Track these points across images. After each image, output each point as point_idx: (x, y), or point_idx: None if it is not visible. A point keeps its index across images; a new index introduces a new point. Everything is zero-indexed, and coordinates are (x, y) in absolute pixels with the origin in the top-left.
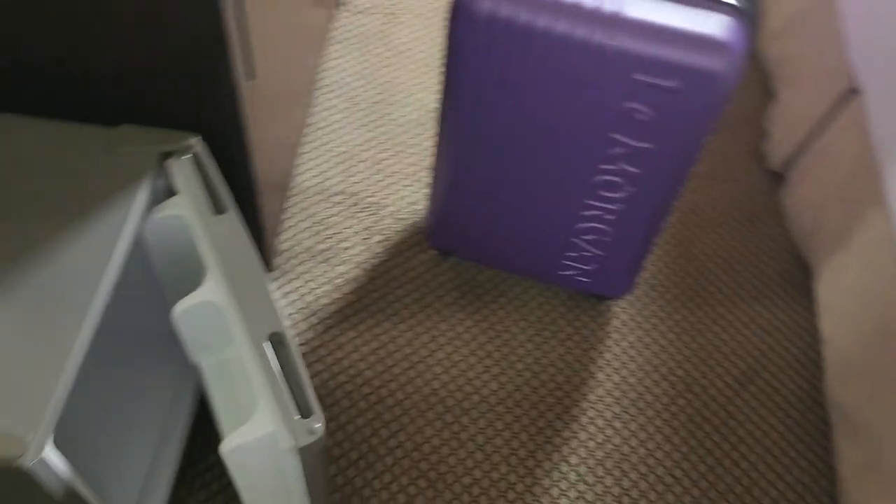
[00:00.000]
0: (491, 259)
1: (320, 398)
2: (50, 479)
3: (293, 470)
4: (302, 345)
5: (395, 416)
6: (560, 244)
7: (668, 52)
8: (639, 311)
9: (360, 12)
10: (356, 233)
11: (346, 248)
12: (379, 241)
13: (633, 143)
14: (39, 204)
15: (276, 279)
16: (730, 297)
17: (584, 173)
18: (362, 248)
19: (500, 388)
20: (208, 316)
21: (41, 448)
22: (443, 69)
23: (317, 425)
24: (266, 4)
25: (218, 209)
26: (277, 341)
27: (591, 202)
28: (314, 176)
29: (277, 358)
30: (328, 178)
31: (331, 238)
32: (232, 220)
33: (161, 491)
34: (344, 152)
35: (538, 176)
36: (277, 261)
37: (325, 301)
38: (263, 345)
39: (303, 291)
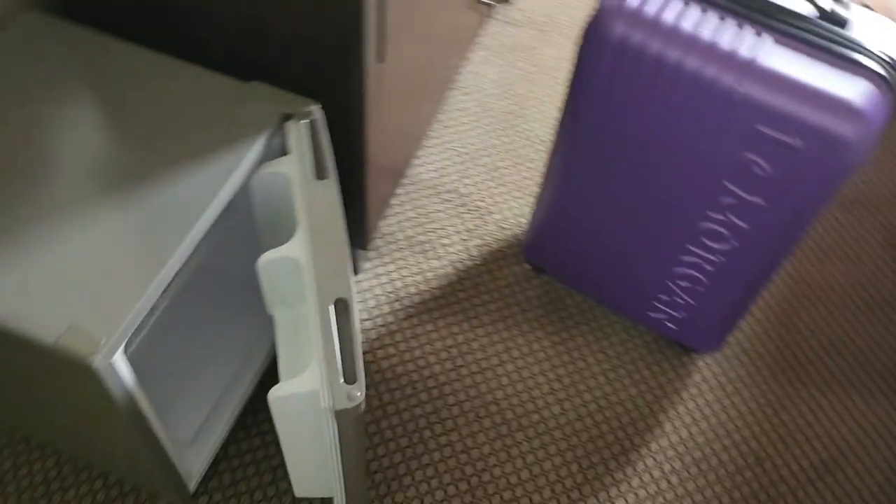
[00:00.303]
0: (582, 285)
1: (386, 381)
2: (115, 385)
3: (330, 431)
4: (381, 326)
5: (453, 415)
6: (654, 284)
7: (797, 109)
8: (724, 371)
9: (511, 24)
10: (458, 232)
11: (445, 245)
12: (477, 245)
13: (744, 195)
14: (169, 136)
15: (371, 259)
16: (826, 379)
17: (690, 216)
18: (460, 248)
19: (561, 413)
20: (288, 271)
21: (113, 352)
22: (568, 87)
23: (357, 393)
24: None
25: (320, 174)
26: (342, 308)
27: (692, 248)
28: (431, 170)
29: (337, 323)
30: (444, 175)
31: (432, 232)
32: (330, 186)
33: (220, 428)
34: (465, 153)
35: (643, 210)
36: (378, 242)
37: (412, 290)
38: (329, 307)
39: (394, 276)
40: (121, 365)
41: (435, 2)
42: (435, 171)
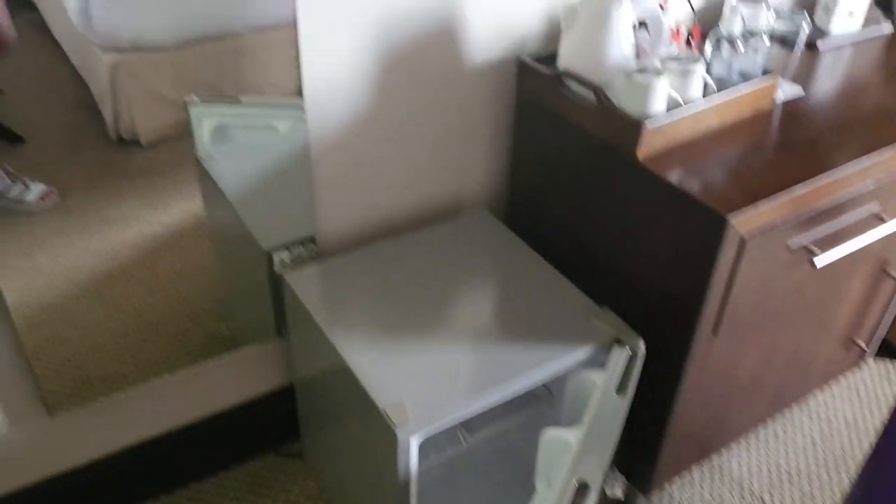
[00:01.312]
0: None
1: None
2: (403, 457)
3: None
4: None
5: None
6: None
7: None
8: None
9: (887, 378)
10: None
11: None
12: None
13: None
14: (531, 319)
15: (651, 499)
16: None
17: None
18: None
19: None
20: (560, 450)
21: (414, 432)
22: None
23: None
24: (765, 306)
25: (620, 391)
26: (581, 489)
27: None
28: (743, 466)
29: (574, 499)
30: (753, 477)
31: None
32: (623, 402)
33: None
34: (785, 470)
35: None
36: (664, 500)
37: None
38: (573, 482)
39: None
40: (413, 447)
41: (795, 318)
42: (746, 468)
